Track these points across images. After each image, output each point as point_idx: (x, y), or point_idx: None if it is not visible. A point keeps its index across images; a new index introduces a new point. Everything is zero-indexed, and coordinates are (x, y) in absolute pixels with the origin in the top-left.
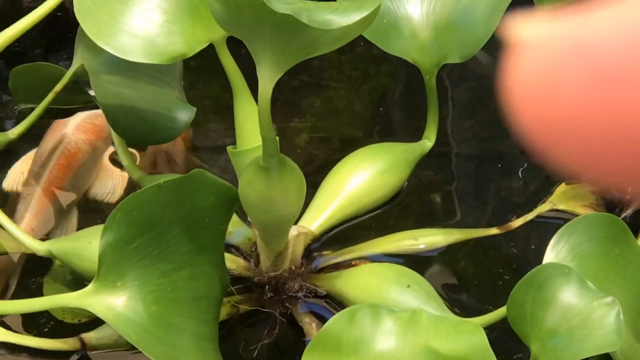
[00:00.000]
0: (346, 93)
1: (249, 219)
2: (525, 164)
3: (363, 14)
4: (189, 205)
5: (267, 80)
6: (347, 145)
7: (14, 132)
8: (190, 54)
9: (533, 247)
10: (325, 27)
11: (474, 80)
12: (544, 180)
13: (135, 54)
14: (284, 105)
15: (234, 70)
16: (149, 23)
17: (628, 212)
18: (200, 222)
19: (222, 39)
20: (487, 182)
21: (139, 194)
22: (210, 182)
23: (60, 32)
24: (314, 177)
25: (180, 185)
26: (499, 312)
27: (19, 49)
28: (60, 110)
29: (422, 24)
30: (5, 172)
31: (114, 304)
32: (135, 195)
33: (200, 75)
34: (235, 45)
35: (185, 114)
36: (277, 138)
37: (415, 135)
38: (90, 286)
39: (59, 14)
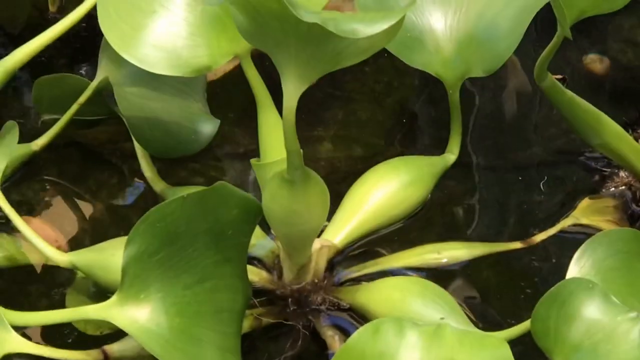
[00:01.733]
0: (369, 104)
1: (272, 232)
2: (546, 177)
3: (389, 23)
4: (212, 218)
5: (292, 92)
6: (370, 156)
7: (37, 144)
8: (215, 67)
9: (555, 260)
10: (353, 36)
11: (496, 91)
12: (567, 194)
13: (159, 67)
14: (308, 115)
15: (258, 82)
16: (173, 35)
17: None
18: (223, 235)
19: (247, 51)
20: (509, 194)
21: (162, 207)
22: (233, 194)
23: (85, 42)
24: (337, 187)
25: (203, 198)
26: (523, 327)
27: (43, 59)
28: (84, 122)
29: (446, 38)
30: (28, 185)
31: (137, 316)
32: (158, 208)
33: (224, 84)
34: (260, 57)
35: (209, 126)
36: (302, 151)
37: (438, 146)
38: (113, 298)
39: (84, 24)
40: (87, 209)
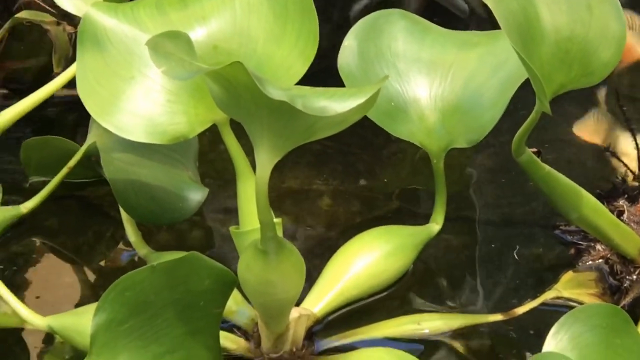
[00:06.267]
0: (368, 157)
1: None
2: (518, 247)
3: (359, 100)
4: (183, 288)
5: (265, 163)
6: (368, 209)
7: (26, 206)
8: (193, 135)
9: (533, 332)
10: (321, 114)
11: (496, 146)
12: (552, 263)
13: (136, 134)
14: (307, 167)
15: (236, 151)
16: (151, 102)
17: (627, 299)
18: (194, 305)
19: (225, 120)
20: (498, 258)
21: (132, 275)
22: (205, 265)
23: None
24: (336, 242)
25: (173, 268)
26: None
27: (52, 116)
28: (72, 184)
29: (430, 108)
30: (17, 247)
31: None
32: (128, 276)
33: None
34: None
35: (197, 195)
36: (281, 220)
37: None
38: None
39: None
40: (78, 268)
